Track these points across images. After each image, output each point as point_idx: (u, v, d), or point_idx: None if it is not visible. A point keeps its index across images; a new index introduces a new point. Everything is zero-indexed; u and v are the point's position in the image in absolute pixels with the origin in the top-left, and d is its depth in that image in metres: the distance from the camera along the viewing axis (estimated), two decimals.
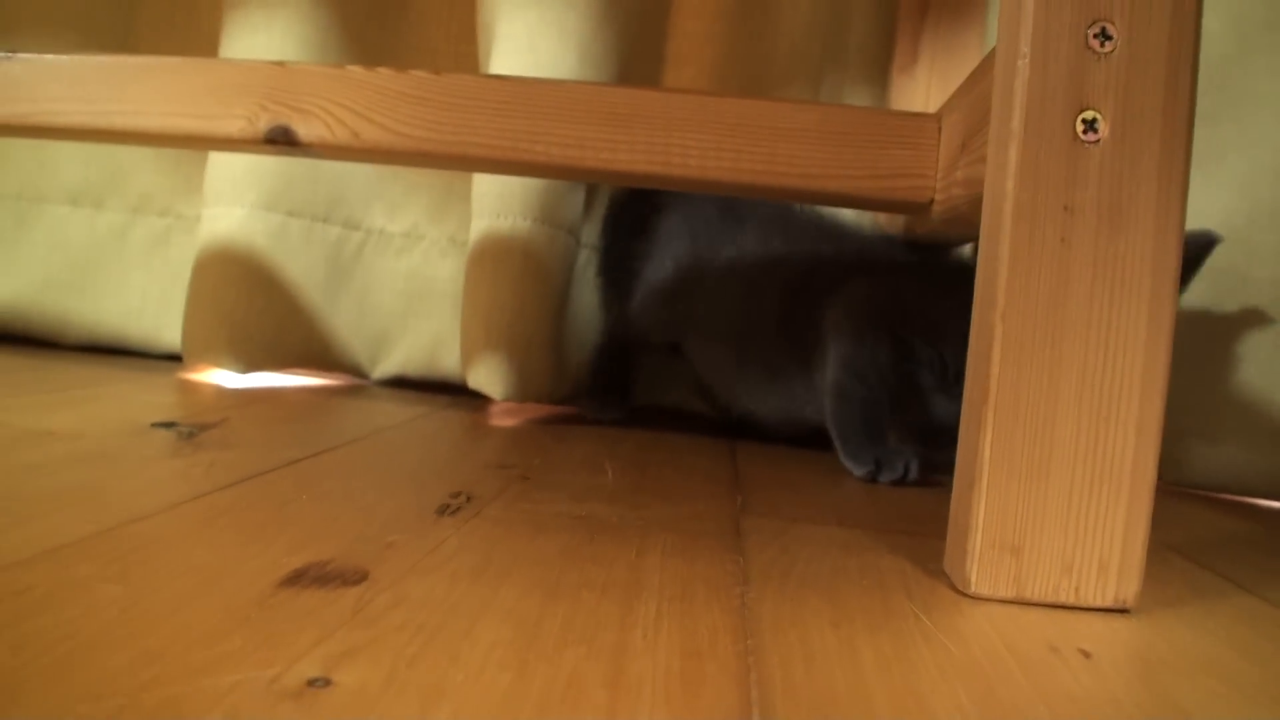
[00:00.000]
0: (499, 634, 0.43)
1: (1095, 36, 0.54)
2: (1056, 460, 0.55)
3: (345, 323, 1.27)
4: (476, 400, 1.24)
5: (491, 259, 1.11)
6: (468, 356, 1.13)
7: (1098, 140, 0.54)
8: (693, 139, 0.79)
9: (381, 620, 0.43)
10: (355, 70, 0.83)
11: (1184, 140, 0.54)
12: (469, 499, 0.69)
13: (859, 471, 0.93)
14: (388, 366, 1.30)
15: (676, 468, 0.89)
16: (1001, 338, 0.54)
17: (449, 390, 1.29)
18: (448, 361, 1.27)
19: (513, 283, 1.10)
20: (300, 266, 1.22)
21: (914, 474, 0.92)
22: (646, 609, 0.48)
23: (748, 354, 1.06)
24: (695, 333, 1.11)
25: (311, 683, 0.36)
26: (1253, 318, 1.05)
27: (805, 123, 0.79)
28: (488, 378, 1.11)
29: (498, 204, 1.11)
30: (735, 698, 0.38)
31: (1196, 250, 0.91)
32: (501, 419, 1.11)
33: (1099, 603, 0.55)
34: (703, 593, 0.51)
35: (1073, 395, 0.54)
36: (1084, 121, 0.54)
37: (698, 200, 1.15)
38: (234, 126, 0.85)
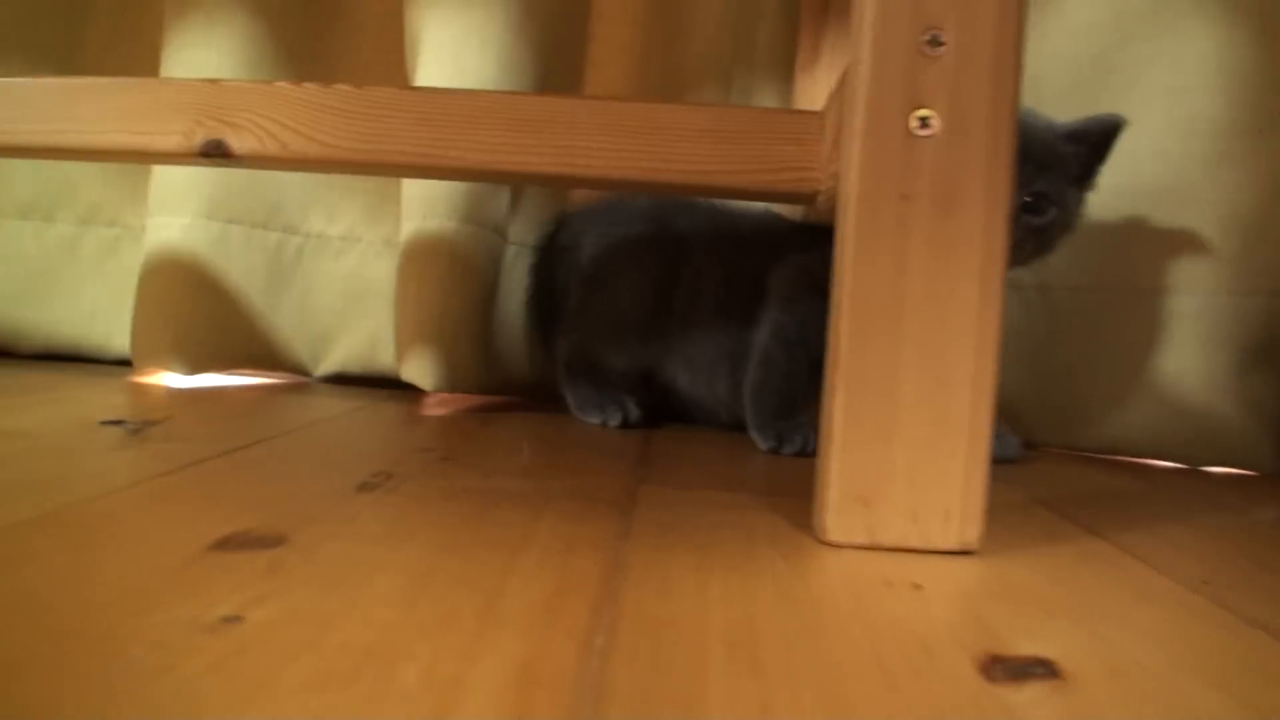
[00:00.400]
0: (394, 582, 0.49)
1: (928, 43, 0.61)
2: (901, 420, 0.61)
3: (287, 323, 1.33)
4: (413, 393, 1.31)
5: (420, 258, 1.17)
6: (401, 351, 1.19)
7: (931, 135, 0.61)
8: (597, 142, 0.85)
9: (293, 574, 0.49)
10: (283, 86, 0.89)
11: (1008, 132, 0.61)
12: (389, 477, 0.75)
13: (764, 445, 1.00)
14: (329, 364, 1.36)
15: (591, 448, 0.96)
16: (848, 313, 0.61)
17: (389, 385, 1.36)
18: (385, 357, 1.34)
19: (440, 280, 1.17)
20: (241, 271, 1.28)
21: (812, 446, 0.98)
22: (530, 560, 0.54)
23: (740, 365, 1.11)
24: (673, 357, 1.16)
25: (225, 619, 0.42)
26: (1139, 293, 1.12)
27: (701, 123, 0.85)
28: (419, 370, 1.18)
29: (425, 206, 1.18)
30: (587, 623, 0.44)
31: (1106, 132, 0.99)
32: (435, 409, 1.18)
33: (944, 546, 0.62)
34: (584, 547, 0.58)
35: (914, 362, 0.61)
36: (919, 118, 0.61)
37: (629, 227, 1.19)
38: (172, 141, 0.91)
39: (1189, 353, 1.10)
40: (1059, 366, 1.17)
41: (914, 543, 0.62)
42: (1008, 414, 1.20)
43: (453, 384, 1.19)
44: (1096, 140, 1.00)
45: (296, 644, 0.40)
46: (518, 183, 1.15)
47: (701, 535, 0.63)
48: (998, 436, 1.08)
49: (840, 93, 0.76)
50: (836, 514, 0.62)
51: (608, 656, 0.41)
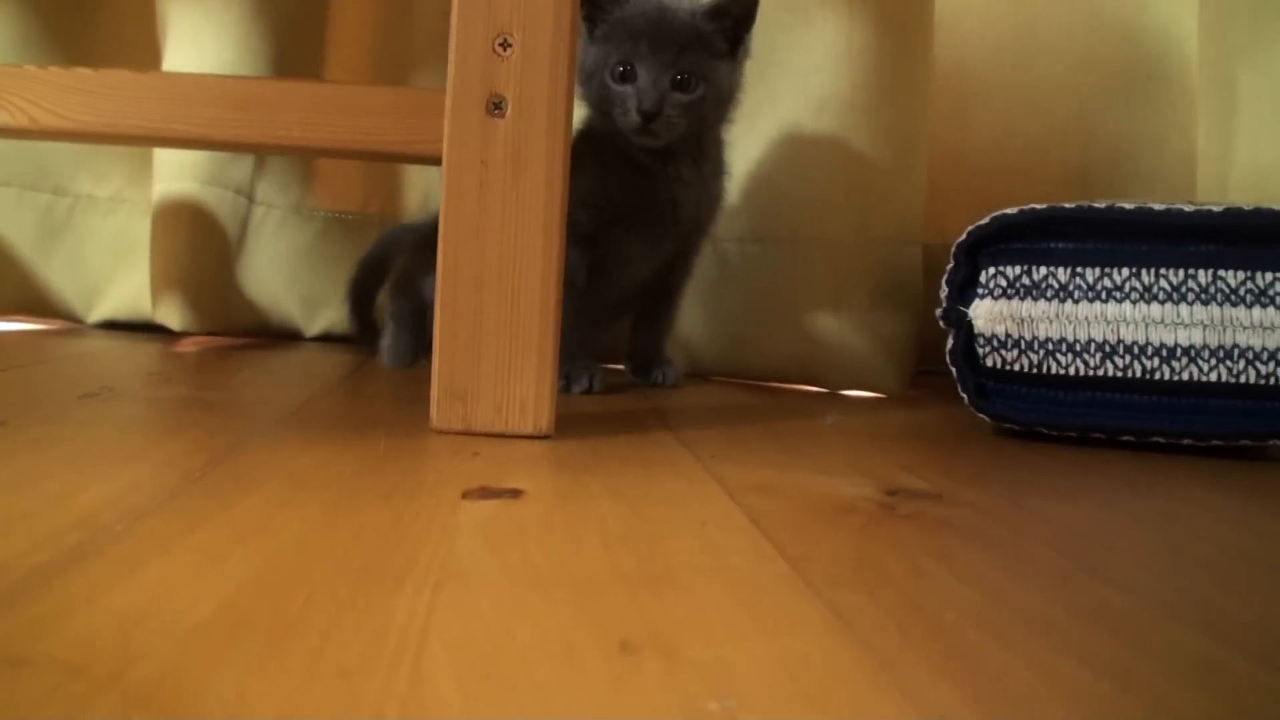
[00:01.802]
0: (74, 445, 0.67)
1: (499, 45, 0.80)
2: (486, 335, 0.81)
3: (59, 275, 1.50)
4: (175, 336, 1.47)
5: (168, 216, 1.35)
6: (154, 297, 1.37)
7: (504, 115, 0.80)
8: (296, 118, 1.02)
9: (1, 441, 0.67)
10: (30, 69, 1.05)
11: (564, 114, 0.80)
12: (111, 389, 0.92)
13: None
14: (100, 312, 1.53)
15: (304, 373, 1.14)
16: (443, 252, 0.80)
17: (156, 330, 1.52)
18: (150, 306, 1.50)
19: (185, 235, 1.35)
20: (12, 228, 1.46)
21: (598, 383, 1.12)
22: (186, 434, 0.73)
23: None
24: None
25: None
26: (784, 243, 1.33)
27: (383, 102, 1.03)
28: (167, 313, 1.36)
29: (172, 170, 1.36)
30: (198, 466, 0.63)
31: (744, 4, 1.13)
32: (187, 346, 1.35)
33: (523, 431, 0.81)
34: (236, 426, 0.77)
35: (495, 290, 0.80)
36: (493, 103, 0.80)
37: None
38: None
39: (825, 293, 1.30)
40: (725, 308, 1.38)
41: (500, 429, 0.81)
42: (684, 349, 1.40)
43: (199, 326, 1.38)
44: (738, 14, 1.14)
45: None
46: (235, 151, 1.32)
47: (336, 423, 0.82)
48: (663, 366, 1.28)
49: None
50: (438, 407, 0.81)
51: (197, 481, 0.59)
